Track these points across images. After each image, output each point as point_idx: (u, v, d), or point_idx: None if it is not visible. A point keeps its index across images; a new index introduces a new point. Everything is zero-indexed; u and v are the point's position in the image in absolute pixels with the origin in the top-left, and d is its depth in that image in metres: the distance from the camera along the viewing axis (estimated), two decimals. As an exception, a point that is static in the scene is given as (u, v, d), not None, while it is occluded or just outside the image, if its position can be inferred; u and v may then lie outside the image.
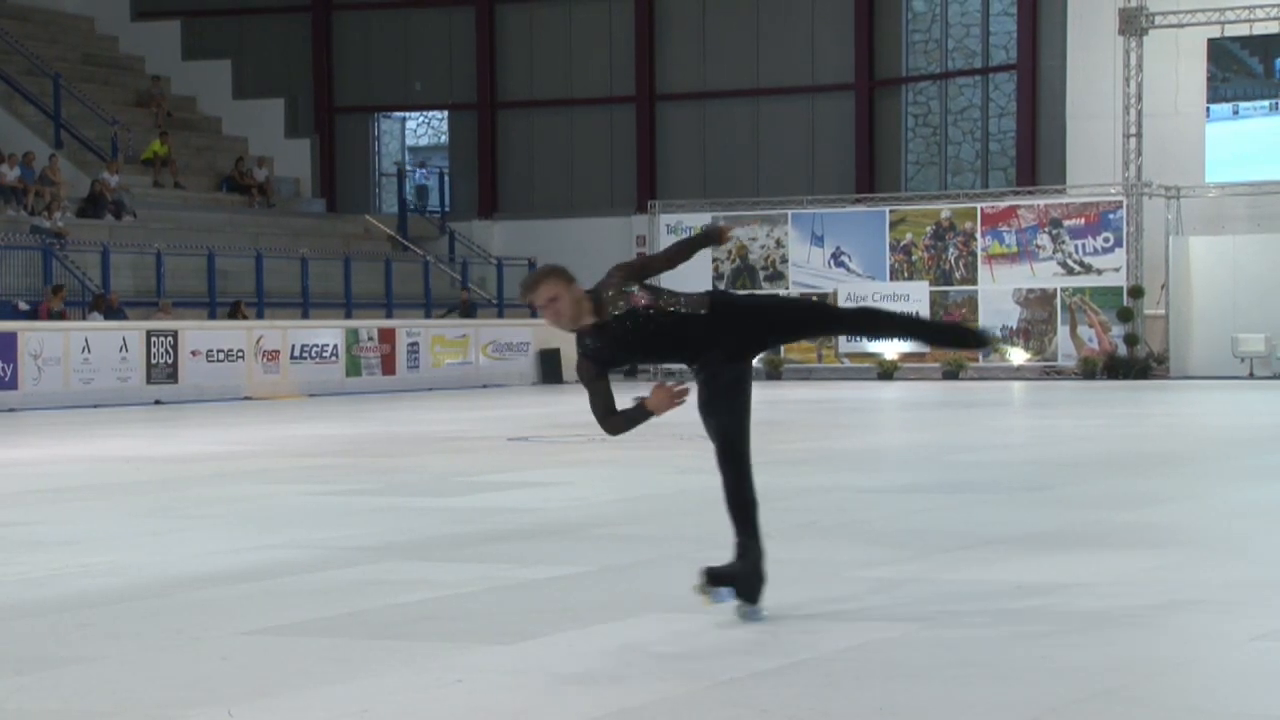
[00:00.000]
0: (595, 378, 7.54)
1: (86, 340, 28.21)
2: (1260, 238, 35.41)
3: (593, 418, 7.61)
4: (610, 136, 43.63)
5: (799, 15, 42.02)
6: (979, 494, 13.11)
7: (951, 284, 36.93)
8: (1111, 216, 35.89)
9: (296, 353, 31.84)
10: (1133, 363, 35.28)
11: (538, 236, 42.40)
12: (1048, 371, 36.05)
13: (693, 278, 38.12)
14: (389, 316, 36.01)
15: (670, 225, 39.01)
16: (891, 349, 36.82)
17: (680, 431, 19.28)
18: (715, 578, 7.57)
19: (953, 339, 7.90)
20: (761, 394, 33.09)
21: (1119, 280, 35.72)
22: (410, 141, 47.96)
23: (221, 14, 45.58)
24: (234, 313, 32.70)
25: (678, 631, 7.54)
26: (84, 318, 29.86)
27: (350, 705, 6.16)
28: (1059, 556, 9.70)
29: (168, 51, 44.93)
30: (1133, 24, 36.17)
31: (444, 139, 46.85)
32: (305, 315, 34.92)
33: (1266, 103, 36.23)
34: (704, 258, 38.70)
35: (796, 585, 8.69)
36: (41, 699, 6.38)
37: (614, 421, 7.56)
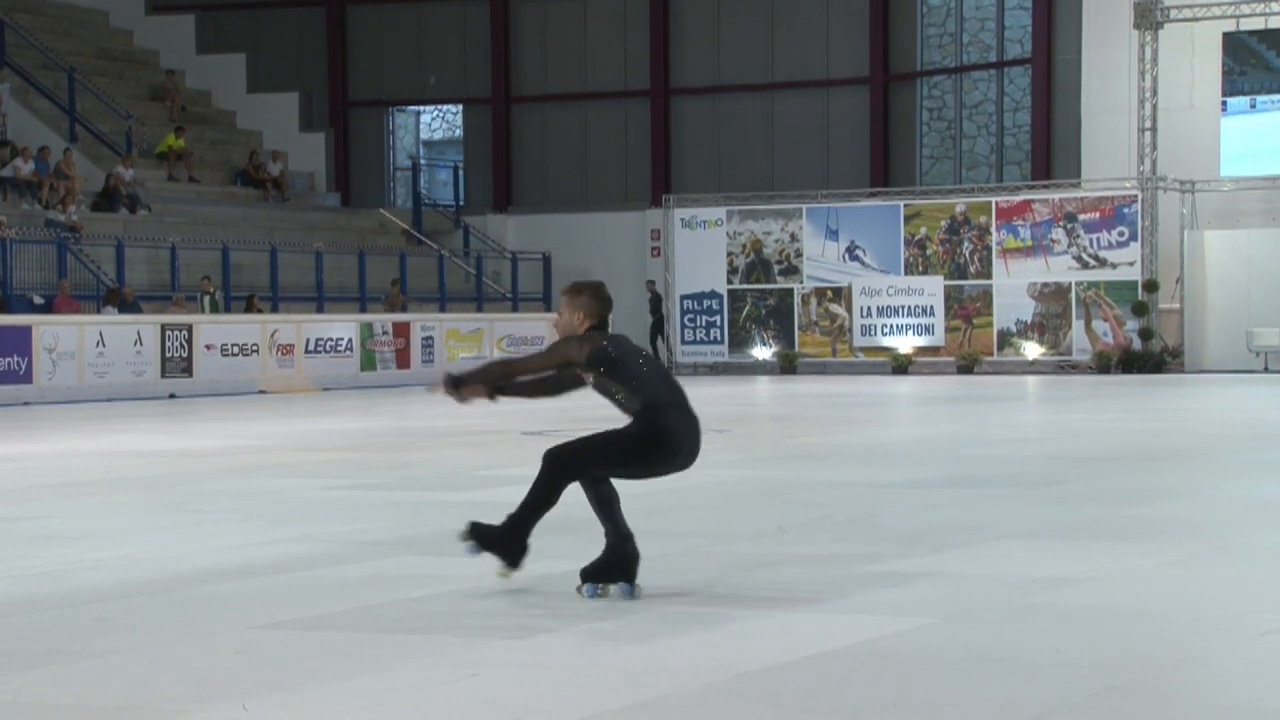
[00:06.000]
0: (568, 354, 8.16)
1: (101, 334, 28.24)
2: (1275, 232, 35.31)
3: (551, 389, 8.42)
4: (625, 131, 43.60)
5: (813, 9, 41.95)
6: (992, 489, 13.10)
7: (966, 278, 36.88)
8: (1126, 210, 35.82)
9: (311, 346, 31.87)
10: (1147, 357, 35.21)
11: (552, 231, 42.39)
12: (1062, 366, 35.99)
13: (705, 274, 38.36)
14: (403, 310, 36.01)
15: (685, 219, 38.97)
16: (907, 344, 36.78)
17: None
18: (589, 574, 8.19)
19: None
20: (776, 388, 32.91)
21: (1134, 274, 35.65)
22: (425, 135, 47.95)
23: (236, 8, 45.60)
24: (248, 306, 32.72)
25: (692, 625, 7.54)
26: (98, 311, 29.87)
27: (364, 699, 6.17)
28: (1072, 551, 9.69)
29: (182, 45, 44.96)
30: (1148, 18, 36.10)
31: (458, 133, 46.83)
32: (320, 309, 34.95)
33: (1283, 96, 36.15)
34: (718, 254, 38.66)
35: (809, 579, 8.69)
36: (54, 693, 6.39)
37: (526, 380, 8.38)
